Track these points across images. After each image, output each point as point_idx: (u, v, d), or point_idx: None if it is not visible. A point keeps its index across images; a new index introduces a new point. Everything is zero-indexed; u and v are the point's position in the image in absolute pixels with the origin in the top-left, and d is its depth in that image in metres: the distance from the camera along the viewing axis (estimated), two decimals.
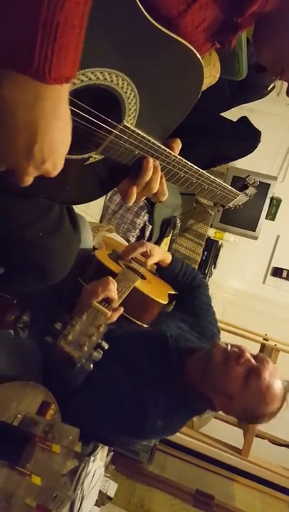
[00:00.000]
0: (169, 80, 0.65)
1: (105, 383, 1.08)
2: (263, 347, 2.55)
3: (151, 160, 0.74)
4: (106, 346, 0.71)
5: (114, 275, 1.17)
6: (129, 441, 1.27)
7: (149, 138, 0.71)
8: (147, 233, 2.77)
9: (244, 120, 2.41)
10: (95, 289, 0.94)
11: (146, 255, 1.38)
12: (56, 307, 1.14)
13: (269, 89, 0.97)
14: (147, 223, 2.78)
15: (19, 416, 0.75)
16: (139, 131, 0.68)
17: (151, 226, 2.77)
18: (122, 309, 0.98)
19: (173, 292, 1.46)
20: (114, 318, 0.97)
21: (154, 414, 1.09)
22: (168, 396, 1.11)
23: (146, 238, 2.77)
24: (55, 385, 0.93)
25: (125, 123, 0.65)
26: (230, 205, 1.20)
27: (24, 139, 0.45)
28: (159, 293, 1.37)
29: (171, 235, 3.02)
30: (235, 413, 1.16)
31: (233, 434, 2.62)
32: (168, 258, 1.44)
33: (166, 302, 1.34)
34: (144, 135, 0.69)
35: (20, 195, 0.75)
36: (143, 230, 2.78)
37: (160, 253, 1.41)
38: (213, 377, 1.12)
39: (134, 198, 0.78)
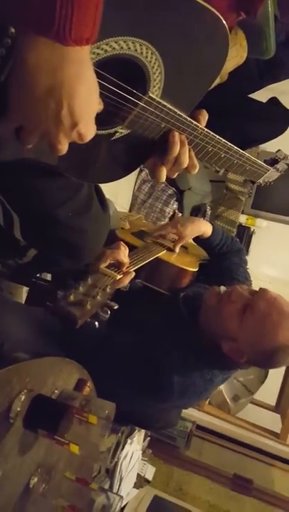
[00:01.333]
0: (194, 49, 0.64)
1: (117, 346, 1.08)
2: None
3: (177, 134, 0.73)
4: (115, 306, 0.69)
5: (134, 248, 1.19)
6: (155, 410, 1.25)
7: (176, 110, 0.70)
8: None
9: (274, 101, 2.35)
10: (103, 251, 0.93)
11: (176, 240, 1.37)
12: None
13: None
14: (177, 211, 2.77)
15: (56, 391, 0.77)
16: (165, 103, 0.68)
17: (180, 214, 2.77)
18: (133, 273, 0.95)
19: (205, 262, 1.46)
20: (126, 281, 0.94)
21: (168, 370, 1.07)
22: (181, 351, 1.09)
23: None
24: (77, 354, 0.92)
25: (150, 94, 0.65)
26: (261, 181, 1.18)
27: (50, 104, 0.45)
28: (189, 261, 1.39)
29: None
30: (247, 356, 1.10)
31: (271, 419, 2.60)
32: (207, 232, 1.39)
33: (195, 269, 1.35)
34: (171, 107, 0.69)
35: (51, 174, 0.76)
36: (172, 218, 2.77)
37: (196, 229, 1.37)
38: (212, 322, 1.11)
39: (164, 175, 0.77)
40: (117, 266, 0.92)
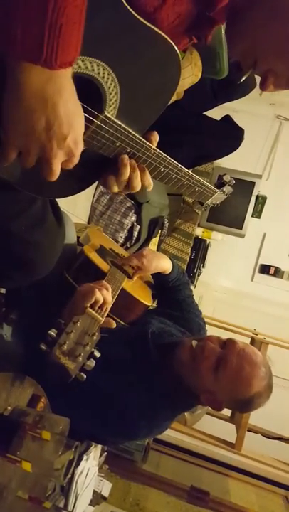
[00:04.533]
0: (148, 71, 0.67)
1: (86, 383, 1.05)
2: (252, 341, 2.58)
3: (126, 157, 0.75)
4: (98, 354, 0.70)
5: (102, 273, 1.16)
6: (116, 440, 1.25)
7: (130, 130, 0.72)
8: (135, 233, 2.79)
9: (227, 119, 2.44)
10: (90, 290, 0.90)
11: (138, 268, 1.33)
12: (42, 304, 1.14)
13: (242, 81, 1.00)
14: (135, 223, 2.79)
15: (9, 408, 0.76)
16: (120, 123, 0.70)
17: (139, 226, 2.79)
18: (114, 324, 0.92)
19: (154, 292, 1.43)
20: (104, 326, 0.92)
21: (136, 414, 1.07)
22: (150, 394, 1.09)
23: (134, 238, 2.79)
24: (42, 383, 0.91)
25: (106, 113, 0.66)
26: (208, 202, 1.21)
27: (43, 118, 0.52)
28: (144, 293, 1.35)
29: (159, 235, 3.04)
30: (224, 405, 1.15)
31: (226, 430, 2.64)
32: (168, 269, 1.38)
33: (150, 304, 1.32)
34: (125, 126, 0.71)
35: (3, 187, 0.75)
36: (131, 230, 2.79)
37: (160, 266, 1.35)
38: (188, 375, 1.12)
39: (114, 189, 0.79)
40: (100, 306, 0.90)
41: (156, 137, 0.78)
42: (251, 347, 1.15)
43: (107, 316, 1.12)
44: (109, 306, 0.93)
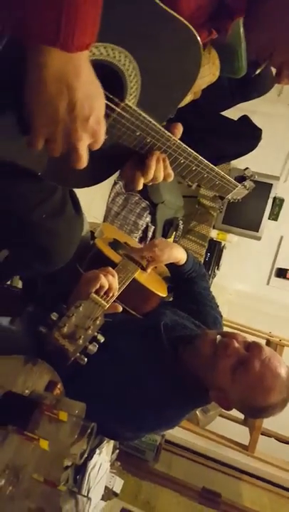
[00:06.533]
0: (169, 60, 0.68)
1: (93, 373, 1.01)
2: (268, 342, 2.56)
3: (157, 153, 0.78)
4: (102, 339, 0.70)
5: (113, 265, 1.15)
6: (124, 432, 1.23)
7: (150, 119, 0.73)
8: (150, 234, 2.80)
9: (245, 119, 2.44)
10: (94, 276, 0.90)
11: (151, 259, 1.32)
12: (56, 296, 1.14)
13: (257, 73, 1.00)
14: (150, 224, 2.81)
15: (26, 391, 0.77)
16: (140, 112, 0.71)
17: (153, 227, 2.80)
18: (120, 308, 0.92)
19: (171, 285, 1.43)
20: (111, 310, 0.92)
21: (143, 405, 1.05)
22: (159, 387, 1.08)
23: (148, 239, 2.80)
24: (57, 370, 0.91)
25: (127, 101, 0.68)
26: (229, 197, 1.21)
27: (64, 100, 0.53)
28: (160, 285, 1.35)
29: (173, 236, 3.05)
30: (232, 406, 1.11)
31: (239, 432, 2.62)
32: (182, 259, 1.36)
33: (165, 295, 1.32)
34: (145, 115, 0.72)
35: (26, 176, 0.77)
36: (146, 231, 2.81)
37: (173, 256, 1.34)
38: (203, 369, 1.09)
39: (141, 184, 0.81)
40: (106, 293, 0.89)
41: (179, 129, 0.79)
42: (278, 357, 1.09)
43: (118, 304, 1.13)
44: (115, 293, 0.92)
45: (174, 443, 2.68)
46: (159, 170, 0.80)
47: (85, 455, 0.67)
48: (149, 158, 0.78)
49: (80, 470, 1.37)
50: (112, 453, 1.82)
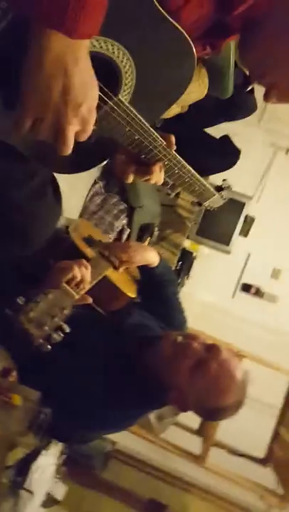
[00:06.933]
0: (165, 64, 0.70)
1: (52, 365, 1.00)
2: None
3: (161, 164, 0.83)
4: (67, 329, 0.70)
5: (86, 259, 1.12)
6: (73, 428, 1.17)
7: (140, 117, 0.77)
8: (124, 237, 2.82)
9: (226, 138, 2.54)
10: (68, 266, 0.90)
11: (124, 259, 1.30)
12: (17, 281, 1.11)
13: (248, 90, 1.05)
14: (125, 227, 2.83)
15: None
16: (132, 109, 0.74)
17: (129, 230, 2.83)
18: (90, 300, 0.92)
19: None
20: (80, 303, 0.91)
21: (101, 403, 1.05)
22: (119, 385, 1.08)
23: (122, 241, 2.82)
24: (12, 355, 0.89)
25: (120, 97, 0.71)
26: (206, 204, 1.26)
27: (60, 83, 0.55)
28: (129, 286, 1.36)
29: (147, 241, 3.09)
30: (189, 407, 1.13)
31: (192, 443, 2.63)
32: (154, 262, 1.35)
33: (134, 296, 1.33)
34: (136, 113, 0.75)
35: (8, 155, 0.77)
36: (121, 233, 2.83)
37: (146, 258, 1.33)
38: (163, 370, 1.10)
39: (131, 179, 0.85)
40: (77, 285, 0.90)
41: (172, 141, 0.83)
42: (236, 360, 1.12)
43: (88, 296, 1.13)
44: (86, 286, 0.92)
45: (124, 452, 2.65)
46: (158, 176, 0.84)
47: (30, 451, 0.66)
48: (155, 166, 0.82)
49: (22, 471, 1.31)
50: (59, 457, 1.76)
